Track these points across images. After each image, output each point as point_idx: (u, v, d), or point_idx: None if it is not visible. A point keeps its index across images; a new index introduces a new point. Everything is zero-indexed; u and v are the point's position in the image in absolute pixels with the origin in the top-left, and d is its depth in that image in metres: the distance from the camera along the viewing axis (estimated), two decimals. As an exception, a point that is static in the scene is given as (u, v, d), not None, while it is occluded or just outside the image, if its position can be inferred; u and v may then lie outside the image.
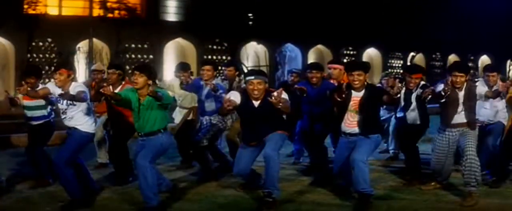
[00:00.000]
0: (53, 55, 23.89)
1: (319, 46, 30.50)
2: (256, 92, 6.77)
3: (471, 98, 7.21)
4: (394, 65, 33.10)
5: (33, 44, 23.82)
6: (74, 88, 6.95)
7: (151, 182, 6.56)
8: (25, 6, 22.87)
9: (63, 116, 7.10)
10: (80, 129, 7.03)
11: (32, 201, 7.30)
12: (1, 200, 7.33)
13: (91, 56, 22.48)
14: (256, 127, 6.90)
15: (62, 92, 6.90)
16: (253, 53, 28.18)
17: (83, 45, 23.63)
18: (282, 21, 26.71)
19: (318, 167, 8.45)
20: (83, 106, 7.04)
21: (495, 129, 8.30)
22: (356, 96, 6.89)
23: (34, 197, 7.47)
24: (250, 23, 28.22)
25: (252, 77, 6.84)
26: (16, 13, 22.32)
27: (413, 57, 32.77)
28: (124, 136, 8.41)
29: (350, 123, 6.93)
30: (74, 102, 6.96)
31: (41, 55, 23.95)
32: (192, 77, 9.05)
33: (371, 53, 32.59)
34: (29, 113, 8.04)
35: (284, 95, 6.73)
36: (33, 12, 23.01)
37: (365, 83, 6.92)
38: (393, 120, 9.67)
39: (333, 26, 28.07)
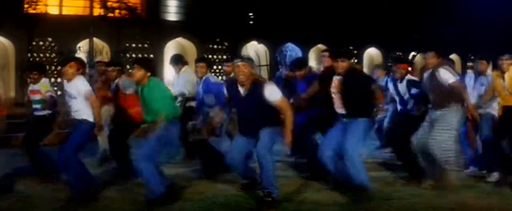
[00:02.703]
0: (54, 54, 23.89)
1: (320, 46, 30.47)
2: (241, 76, 6.78)
3: (432, 81, 7.53)
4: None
5: (34, 43, 23.84)
6: (78, 81, 7.29)
7: (147, 175, 6.83)
8: (26, 6, 22.86)
9: (70, 111, 7.42)
10: (88, 119, 7.26)
11: (32, 201, 7.28)
12: (0, 200, 7.32)
13: (91, 56, 22.49)
14: (247, 116, 6.98)
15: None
16: (253, 52, 28.16)
17: (83, 44, 23.65)
18: (282, 21, 26.69)
19: (311, 162, 8.44)
20: (83, 97, 7.26)
21: (484, 121, 8.31)
22: (336, 79, 7.26)
23: (34, 197, 7.45)
24: (251, 22, 28.19)
25: (238, 60, 6.92)
26: (17, 12, 22.32)
27: (414, 56, 32.75)
28: (125, 133, 8.46)
29: (338, 104, 7.26)
30: (74, 96, 7.27)
31: (41, 55, 23.97)
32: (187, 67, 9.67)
33: (371, 53, 32.61)
34: (33, 106, 8.32)
35: (273, 88, 6.84)
36: (34, 11, 23.01)
37: (350, 68, 7.29)
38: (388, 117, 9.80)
39: (333, 25, 28.05)
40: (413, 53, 32.86)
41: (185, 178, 8.58)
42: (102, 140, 9.67)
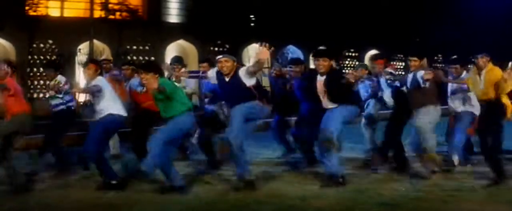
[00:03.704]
0: (54, 56, 23.79)
1: (321, 48, 30.39)
2: (225, 68, 7.84)
3: (413, 82, 8.17)
4: (396, 67, 33.03)
5: (34, 45, 23.75)
6: (96, 81, 7.92)
7: (161, 164, 7.44)
8: (26, 8, 22.77)
9: (96, 110, 7.97)
10: (111, 113, 7.85)
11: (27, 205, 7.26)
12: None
13: (91, 58, 22.36)
14: (230, 98, 7.96)
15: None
16: (254, 54, 28.08)
17: (84, 46, 23.56)
18: (284, 23, 26.61)
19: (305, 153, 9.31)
20: (105, 95, 7.84)
21: (464, 118, 8.94)
22: (320, 79, 8.02)
23: (31, 201, 7.44)
24: (252, 24, 28.11)
25: (220, 56, 7.96)
26: (17, 14, 22.23)
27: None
28: (144, 128, 8.98)
29: (326, 101, 7.99)
30: (96, 95, 7.82)
31: (42, 57, 23.88)
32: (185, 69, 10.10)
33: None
34: (50, 102, 8.98)
35: (244, 67, 7.89)
36: (34, 13, 22.92)
37: (331, 68, 7.97)
38: None
39: (335, 28, 27.97)
40: (415, 55, 32.77)
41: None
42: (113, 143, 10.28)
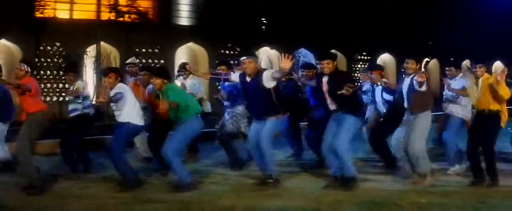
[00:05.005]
0: (62, 59, 23.54)
1: (333, 52, 30.06)
2: (248, 69, 8.28)
3: (410, 86, 8.41)
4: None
5: (41, 48, 23.54)
6: (117, 89, 8.10)
7: (176, 165, 7.96)
8: (34, 10, 22.56)
9: (115, 114, 8.26)
10: (130, 121, 8.11)
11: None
12: None
13: (98, 60, 22.11)
14: (250, 99, 8.50)
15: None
16: (266, 58, 27.79)
17: (91, 49, 23.30)
18: (295, 26, 26.33)
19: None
20: (126, 102, 8.08)
21: (454, 121, 9.28)
22: (325, 79, 8.27)
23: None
24: (263, 27, 27.84)
25: (244, 58, 8.34)
26: (24, 17, 22.00)
27: (427, 62, 32.15)
28: (162, 132, 9.13)
29: (330, 102, 8.25)
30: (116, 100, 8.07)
31: (49, 60, 23.69)
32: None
33: (385, 59, 32.24)
34: (69, 106, 9.21)
35: (268, 72, 8.21)
36: (41, 16, 22.70)
37: (336, 69, 8.30)
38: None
39: (347, 31, 27.72)
40: (426, 59, 32.38)
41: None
42: (140, 144, 10.29)
